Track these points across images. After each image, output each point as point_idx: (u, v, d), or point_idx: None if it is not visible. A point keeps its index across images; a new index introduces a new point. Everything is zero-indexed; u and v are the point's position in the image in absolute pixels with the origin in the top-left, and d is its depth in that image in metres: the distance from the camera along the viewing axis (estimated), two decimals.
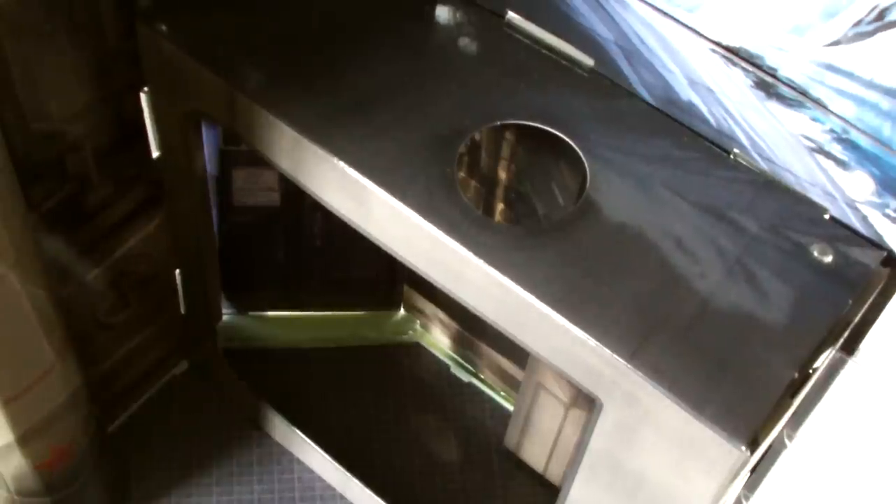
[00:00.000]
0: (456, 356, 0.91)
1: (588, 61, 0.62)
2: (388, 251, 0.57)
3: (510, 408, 0.87)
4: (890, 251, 0.56)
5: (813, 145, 0.56)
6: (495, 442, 0.87)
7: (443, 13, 0.64)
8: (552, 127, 0.59)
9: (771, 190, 0.58)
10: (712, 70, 0.58)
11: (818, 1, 0.52)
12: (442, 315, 0.88)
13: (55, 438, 0.70)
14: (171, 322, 0.84)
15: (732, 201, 0.57)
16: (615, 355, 0.50)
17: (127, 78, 0.67)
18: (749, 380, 0.50)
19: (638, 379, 0.50)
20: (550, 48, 0.62)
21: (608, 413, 0.53)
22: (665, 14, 0.58)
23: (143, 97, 0.66)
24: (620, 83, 0.62)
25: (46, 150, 0.66)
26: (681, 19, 0.57)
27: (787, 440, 0.63)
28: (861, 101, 0.54)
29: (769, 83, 0.56)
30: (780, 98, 0.56)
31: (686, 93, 0.60)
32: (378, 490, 0.81)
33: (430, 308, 0.89)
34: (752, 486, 0.67)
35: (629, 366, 0.50)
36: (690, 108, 0.60)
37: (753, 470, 0.64)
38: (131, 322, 0.82)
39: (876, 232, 0.57)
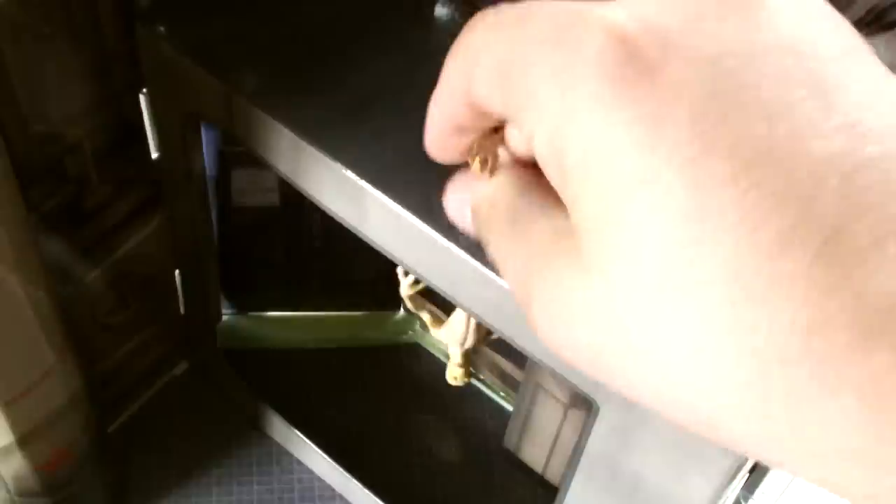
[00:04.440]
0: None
1: None
2: (387, 254, 0.57)
3: (510, 408, 0.87)
4: None
5: None
6: (495, 442, 0.87)
7: (441, 14, 0.64)
8: None
9: None
10: None
11: None
12: (442, 315, 0.88)
13: (55, 439, 0.70)
14: (171, 322, 0.85)
15: None
16: None
17: (126, 79, 0.67)
18: None
19: None
20: None
21: (605, 415, 0.53)
22: None
23: (142, 98, 0.66)
24: None
25: (46, 152, 0.66)
26: None
27: None
28: None
29: None
30: None
31: None
32: (377, 490, 0.81)
33: (430, 308, 0.89)
34: (751, 486, 0.67)
35: None
36: None
37: (752, 470, 0.64)
38: (131, 322, 0.82)
39: None
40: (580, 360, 0.29)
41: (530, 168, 0.35)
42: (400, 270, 0.70)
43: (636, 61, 0.25)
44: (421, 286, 0.71)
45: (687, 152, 0.24)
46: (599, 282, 0.27)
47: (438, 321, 0.75)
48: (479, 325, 0.71)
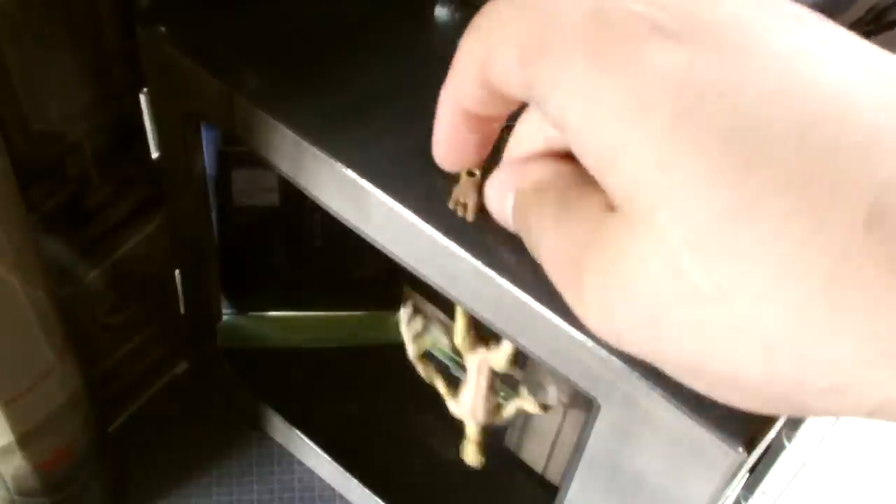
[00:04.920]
0: (456, 356, 0.91)
1: None
2: (387, 253, 0.57)
3: None
4: None
5: None
6: (495, 442, 0.87)
7: (441, 15, 0.64)
8: None
9: None
10: None
11: (816, 2, 0.52)
12: (441, 315, 0.88)
13: (55, 439, 0.70)
14: (171, 322, 0.85)
15: None
16: (613, 356, 0.50)
17: (126, 79, 0.67)
18: None
19: (635, 380, 0.50)
20: None
21: (605, 414, 0.53)
22: None
23: (142, 98, 0.66)
24: None
25: (46, 152, 0.66)
26: None
27: (786, 441, 0.63)
28: None
29: None
30: None
31: None
32: (378, 490, 0.81)
33: (429, 308, 0.89)
34: (751, 486, 0.67)
35: (627, 367, 0.50)
36: None
37: (752, 470, 0.64)
38: (131, 322, 0.82)
39: None
40: (634, 331, 0.29)
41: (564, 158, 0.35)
42: (403, 324, 0.70)
43: (660, 29, 0.27)
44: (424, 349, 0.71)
45: (728, 78, 0.26)
46: (649, 234, 0.27)
47: (453, 392, 0.72)
48: (487, 398, 0.70)
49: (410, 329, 0.70)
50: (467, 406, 0.71)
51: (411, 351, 0.71)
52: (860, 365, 0.24)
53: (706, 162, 0.25)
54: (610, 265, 0.29)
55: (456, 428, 0.89)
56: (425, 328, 0.71)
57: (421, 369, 0.73)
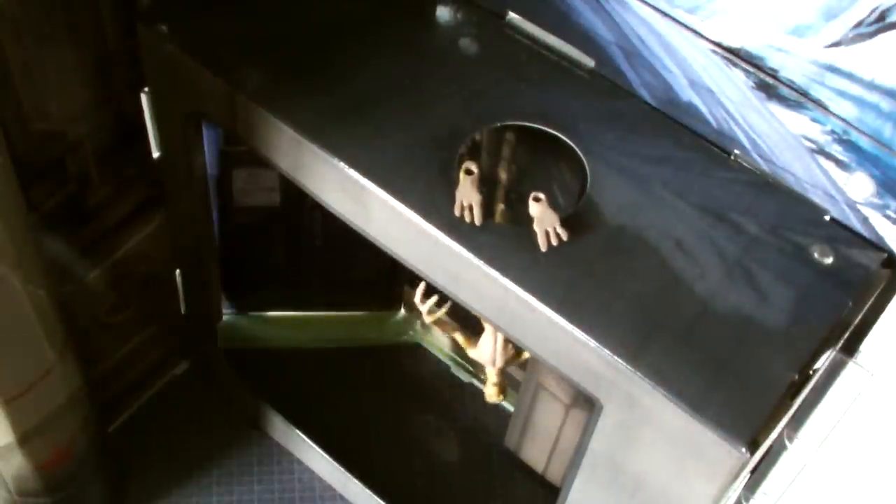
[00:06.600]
0: (456, 356, 0.91)
1: (588, 62, 0.62)
2: (388, 252, 0.57)
3: (510, 408, 0.87)
4: (890, 252, 0.56)
5: (813, 146, 0.56)
6: (495, 442, 0.87)
7: (443, 14, 0.64)
8: (553, 128, 0.59)
9: (771, 191, 0.58)
10: (713, 71, 0.58)
11: (819, 2, 0.52)
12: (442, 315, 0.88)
13: (55, 439, 0.70)
14: (171, 322, 0.85)
15: (733, 202, 0.57)
16: (615, 357, 0.50)
17: (127, 78, 0.67)
18: (749, 381, 0.50)
19: (638, 380, 0.50)
20: (551, 49, 0.62)
21: (608, 414, 0.53)
22: (666, 15, 0.58)
23: (143, 98, 0.66)
24: (621, 84, 0.62)
25: (47, 151, 0.66)
26: (681, 20, 0.57)
27: (787, 441, 0.63)
28: (861, 103, 0.54)
29: (770, 84, 0.56)
30: (781, 99, 0.56)
31: (687, 94, 0.60)
32: (378, 490, 0.81)
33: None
34: (752, 486, 0.67)
35: (629, 367, 0.50)
36: (691, 109, 0.60)
37: (754, 471, 0.64)
38: (131, 322, 0.82)
39: (876, 233, 0.57)
40: None
41: None
42: (417, 298, 0.71)
43: None
44: (441, 312, 0.72)
45: None
46: None
47: (472, 342, 0.75)
48: (506, 345, 0.73)
49: (426, 304, 0.72)
50: (486, 353, 0.74)
51: (427, 319, 0.73)
52: None
53: None
54: None
55: (456, 428, 0.89)
56: (437, 305, 0.72)
57: (438, 329, 0.75)
